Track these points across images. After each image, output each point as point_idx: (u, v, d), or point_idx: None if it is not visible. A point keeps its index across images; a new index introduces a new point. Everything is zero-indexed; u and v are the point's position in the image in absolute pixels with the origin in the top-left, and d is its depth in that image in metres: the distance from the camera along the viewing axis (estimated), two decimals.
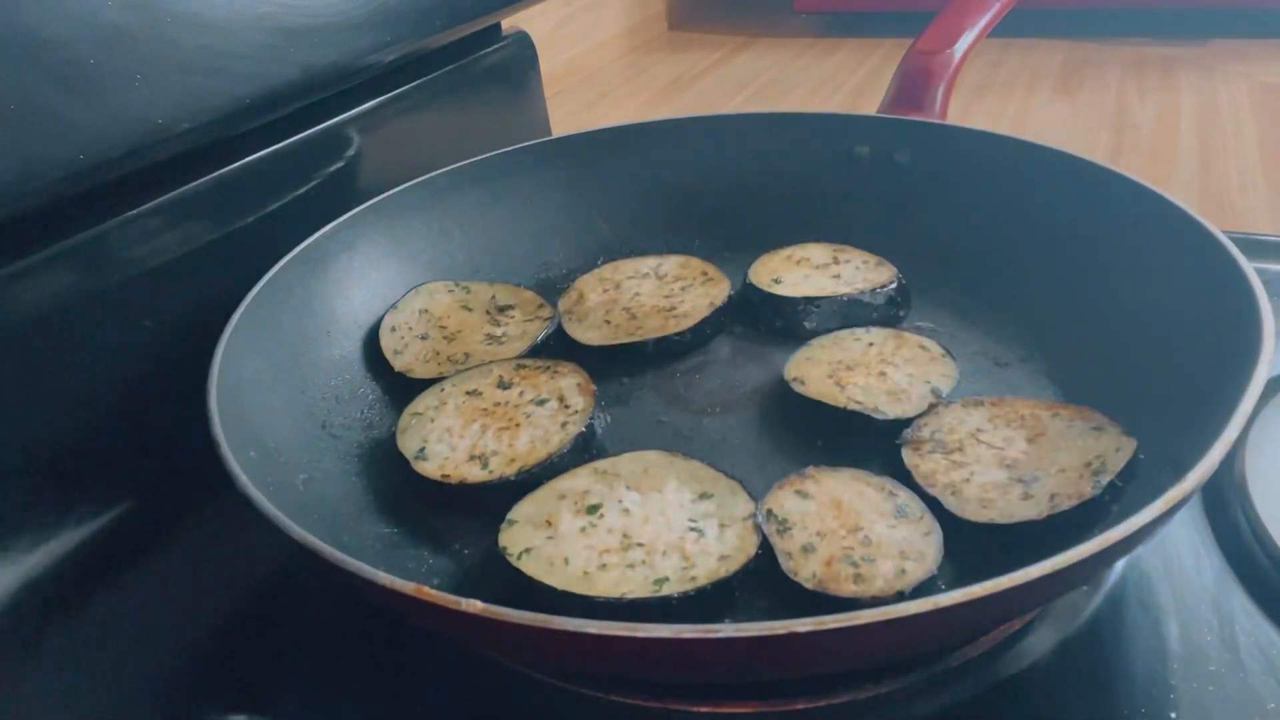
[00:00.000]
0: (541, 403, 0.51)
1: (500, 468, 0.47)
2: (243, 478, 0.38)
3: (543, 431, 0.49)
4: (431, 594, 0.32)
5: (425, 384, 0.54)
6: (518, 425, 0.49)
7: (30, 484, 0.47)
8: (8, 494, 0.46)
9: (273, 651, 0.44)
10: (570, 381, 0.52)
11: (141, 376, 0.52)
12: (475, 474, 0.47)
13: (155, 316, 0.52)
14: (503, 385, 0.52)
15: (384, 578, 0.32)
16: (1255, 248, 0.51)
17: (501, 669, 0.41)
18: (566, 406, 0.50)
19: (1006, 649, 0.40)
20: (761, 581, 0.41)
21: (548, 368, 0.53)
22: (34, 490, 0.47)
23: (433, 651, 0.42)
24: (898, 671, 0.39)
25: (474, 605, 0.31)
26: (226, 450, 0.40)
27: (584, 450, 0.48)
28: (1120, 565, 0.43)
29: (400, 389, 0.56)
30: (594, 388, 0.51)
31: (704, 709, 0.38)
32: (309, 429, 0.51)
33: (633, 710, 0.39)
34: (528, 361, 0.54)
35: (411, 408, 0.52)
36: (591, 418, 0.49)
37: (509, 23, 0.84)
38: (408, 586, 0.32)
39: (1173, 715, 0.36)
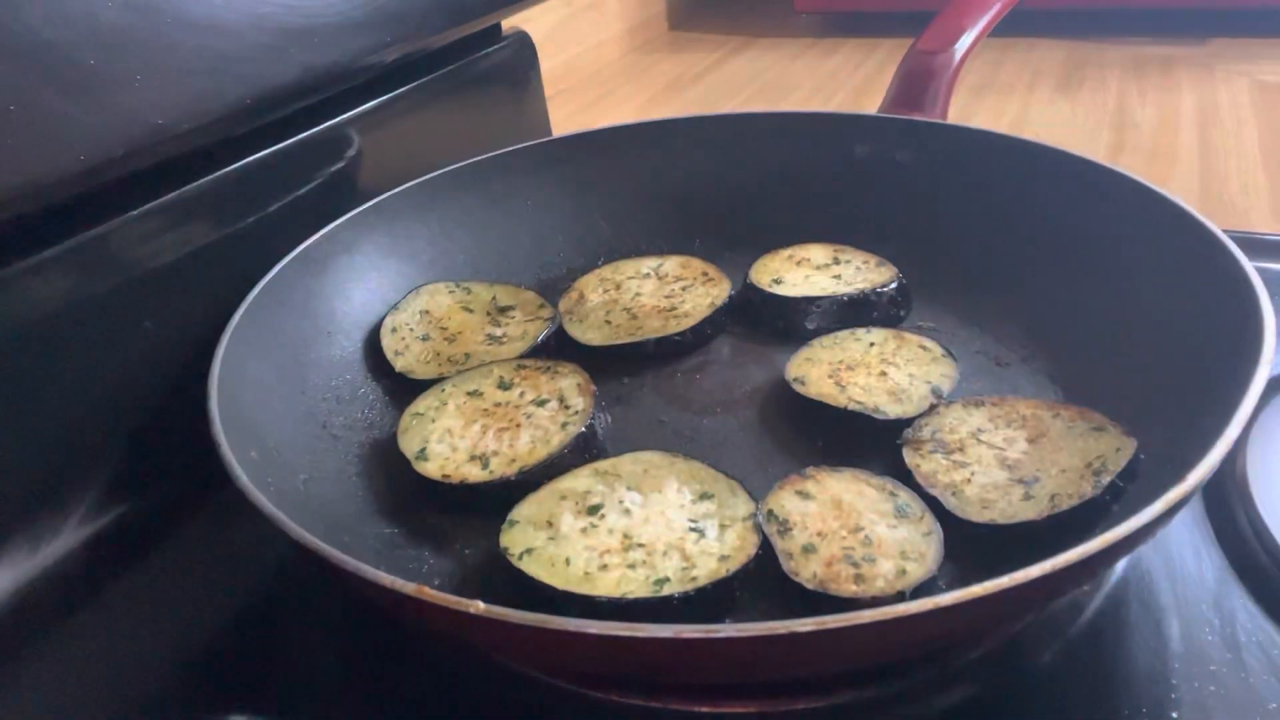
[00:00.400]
0: (542, 403, 0.51)
1: (501, 468, 0.47)
2: (243, 478, 0.38)
3: (543, 432, 0.49)
4: (432, 594, 0.32)
5: (426, 385, 0.54)
6: (518, 426, 0.49)
7: (30, 484, 0.47)
8: (8, 494, 0.46)
9: (273, 651, 0.44)
10: (570, 382, 0.52)
11: (141, 376, 0.52)
12: (476, 474, 0.47)
13: (155, 316, 0.52)
14: (503, 386, 0.52)
15: (384, 578, 0.32)
16: (1255, 247, 0.51)
17: (501, 669, 0.41)
18: (567, 407, 0.50)
19: (1006, 649, 0.40)
20: (762, 581, 0.41)
21: (548, 368, 0.53)
22: (34, 490, 0.47)
23: (433, 651, 0.42)
24: (898, 671, 0.38)
25: (476, 606, 0.31)
26: (226, 450, 0.40)
27: (584, 450, 0.48)
28: (1121, 565, 0.43)
29: (401, 389, 0.56)
30: (594, 388, 0.51)
31: (704, 709, 0.38)
32: (309, 429, 0.51)
33: (633, 710, 0.38)
34: (528, 362, 0.54)
35: (412, 408, 0.52)
36: (592, 418, 0.49)
37: (509, 23, 0.84)
38: (408, 586, 0.32)
39: (1174, 715, 0.36)
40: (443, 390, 0.53)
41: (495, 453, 0.48)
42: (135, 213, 0.51)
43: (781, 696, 0.38)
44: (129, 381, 0.51)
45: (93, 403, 0.50)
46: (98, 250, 0.49)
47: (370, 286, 0.61)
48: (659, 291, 0.62)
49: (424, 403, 0.52)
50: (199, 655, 0.44)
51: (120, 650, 0.45)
